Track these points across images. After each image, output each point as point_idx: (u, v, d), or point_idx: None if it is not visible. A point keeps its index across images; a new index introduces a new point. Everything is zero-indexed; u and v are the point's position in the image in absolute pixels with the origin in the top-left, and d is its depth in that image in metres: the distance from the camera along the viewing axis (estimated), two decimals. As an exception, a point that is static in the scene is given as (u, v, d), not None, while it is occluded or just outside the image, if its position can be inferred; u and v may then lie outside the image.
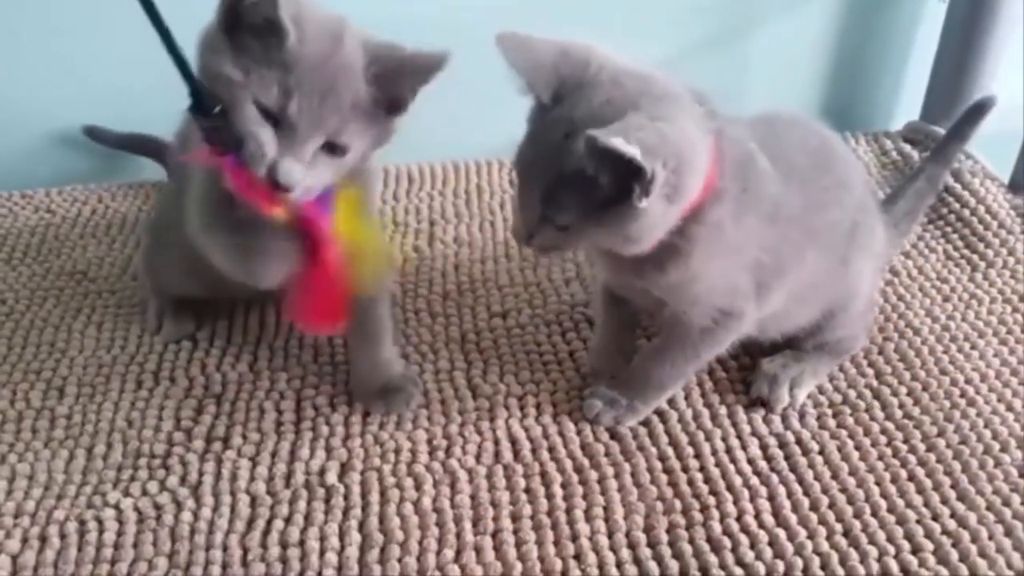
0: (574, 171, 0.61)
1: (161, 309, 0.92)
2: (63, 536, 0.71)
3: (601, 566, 0.68)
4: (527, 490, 0.75)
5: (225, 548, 0.70)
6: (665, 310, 0.76)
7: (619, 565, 0.68)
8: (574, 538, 0.70)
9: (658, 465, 0.77)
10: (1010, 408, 0.81)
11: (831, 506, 0.72)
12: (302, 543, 0.71)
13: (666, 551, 0.69)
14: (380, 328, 0.83)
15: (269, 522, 0.73)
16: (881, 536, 0.70)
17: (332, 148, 0.65)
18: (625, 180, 0.59)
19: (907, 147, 1.20)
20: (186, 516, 0.73)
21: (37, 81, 1.10)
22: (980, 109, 1.04)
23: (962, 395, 0.82)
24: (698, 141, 0.64)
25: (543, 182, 0.64)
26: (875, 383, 0.84)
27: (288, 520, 0.73)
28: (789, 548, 0.69)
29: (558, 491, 0.74)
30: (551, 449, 0.78)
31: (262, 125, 0.62)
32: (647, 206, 0.60)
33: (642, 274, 0.71)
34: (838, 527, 0.71)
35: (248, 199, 0.64)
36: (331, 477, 0.76)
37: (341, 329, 0.76)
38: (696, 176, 0.63)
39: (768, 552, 0.69)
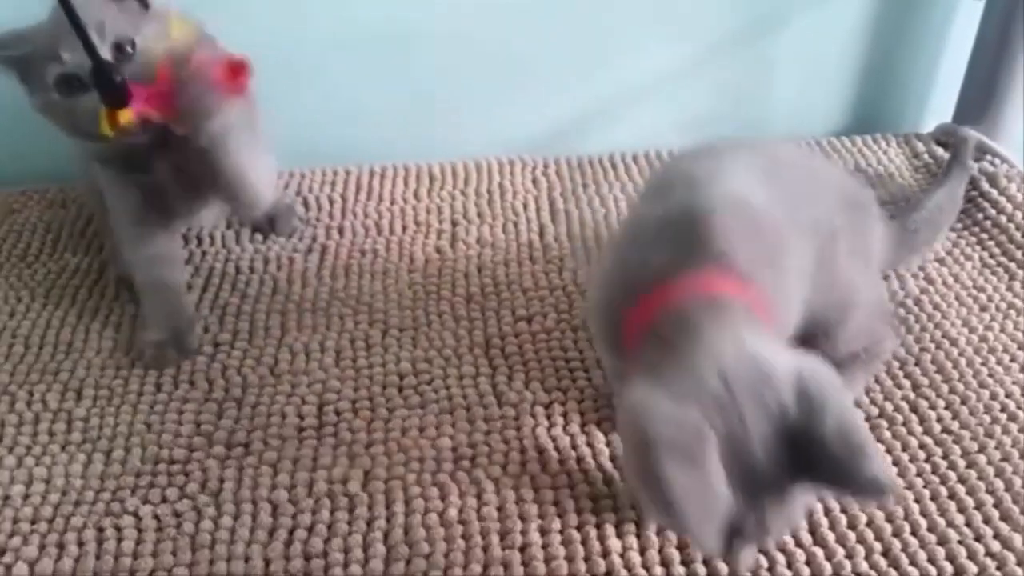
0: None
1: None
2: (81, 544, 0.70)
3: (633, 583, 0.67)
4: (555, 503, 0.73)
5: (247, 559, 0.69)
6: None
7: (652, 583, 0.67)
8: (605, 554, 0.68)
9: (690, 479, 0.74)
10: (1052, 424, 0.78)
11: (869, 524, 0.70)
12: (326, 554, 0.69)
13: (701, 569, 0.67)
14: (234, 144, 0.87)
15: (291, 532, 0.71)
16: (922, 556, 0.68)
17: (121, 48, 0.79)
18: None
19: (939, 150, 1.17)
20: (206, 524, 0.71)
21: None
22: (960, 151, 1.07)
23: (1003, 409, 0.80)
24: None
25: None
26: (912, 396, 0.82)
27: (311, 530, 0.71)
28: (827, 568, 0.67)
29: (588, 504, 0.72)
30: (579, 460, 0.76)
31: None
32: None
33: None
34: (877, 546, 0.69)
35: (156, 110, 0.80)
36: (354, 486, 0.74)
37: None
38: None
39: (806, 572, 0.67)
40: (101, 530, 0.71)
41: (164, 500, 0.73)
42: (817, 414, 0.54)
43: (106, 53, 0.77)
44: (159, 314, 0.89)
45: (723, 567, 0.67)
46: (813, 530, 0.70)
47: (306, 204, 1.10)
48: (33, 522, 0.72)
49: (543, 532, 0.70)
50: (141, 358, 0.86)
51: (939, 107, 1.26)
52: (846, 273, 0.77)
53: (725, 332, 0.58)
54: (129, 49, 0.79)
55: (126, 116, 0.77)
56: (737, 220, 0.65)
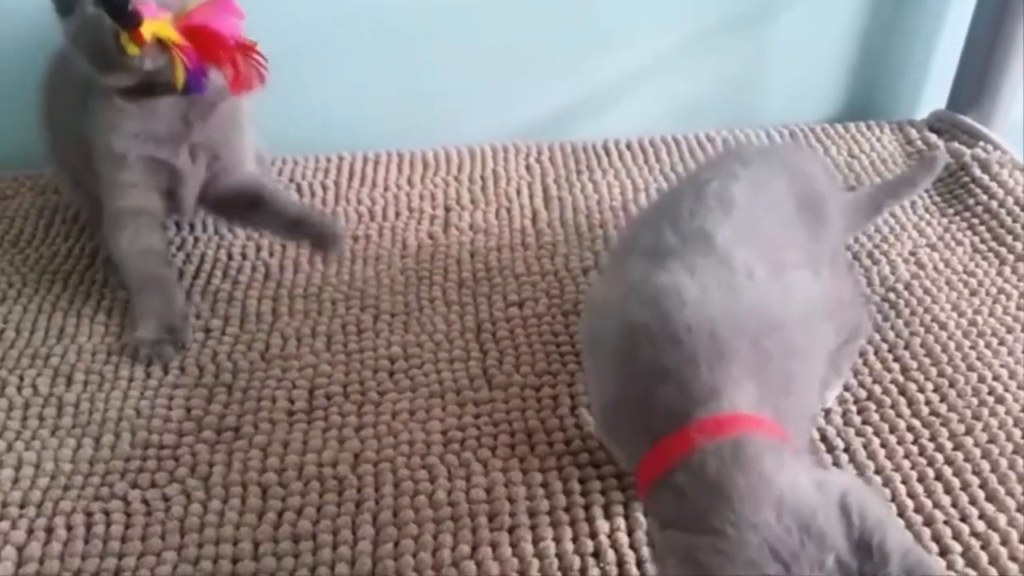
0: None
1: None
2: (69, 528, 0.70)
3: (621, 564, 0.67)
4: (543, 485, 0.73)
5: (235, 542, 0.69)
6: None
7: (639, 564, 0.67)
8: (593, 535, 0.69)
9: (679, 461, 0.75)
10: (1040, 406, 0.78)
11: (857, 505, 0.70)
12: (314, 536, 0.69)
13: (687, 550, 0.67)
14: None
15: (280, 514, 0.71)
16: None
17: None
18: None
19: (933, 137, 1.17)
20: (195, 508, 0.71)
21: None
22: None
23: (990, 392, 0.80)
24: None
25: None
26: (901, 379, 0.82)
27: (300, 512, 0.71)
28: (814, 548, 0.67)
29: (576, 486, 0.73)
30: (568, 443, 0.77)
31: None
32: None
33: None
34: (864, 527, 0.69)
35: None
36: (344, 469, 0.75)
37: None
38: None
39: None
40: (90, 514, 0.71)
41: (153, 485, 0.73)
42: (882, 564, 0.48)
43: None
44: (152, 311, 0.88)
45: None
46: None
47: (299, 191, 1.10)
48: (22, 506, 0.72)
49: (531, 514, 0.71)
50: (135, 356, 0.85)
51: (933, 94, 1.26)
52: (825, 283, 0.75)
53: (757, 488, 0.51)
54: None
55: (149, 29, 0.78)
56: (755, 343, 0.59)
